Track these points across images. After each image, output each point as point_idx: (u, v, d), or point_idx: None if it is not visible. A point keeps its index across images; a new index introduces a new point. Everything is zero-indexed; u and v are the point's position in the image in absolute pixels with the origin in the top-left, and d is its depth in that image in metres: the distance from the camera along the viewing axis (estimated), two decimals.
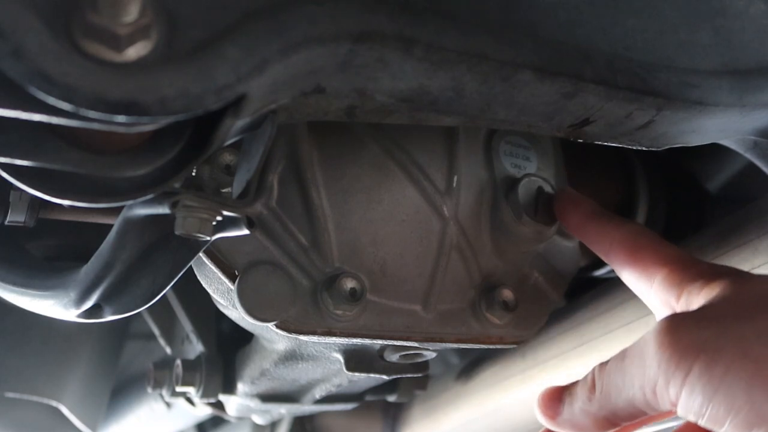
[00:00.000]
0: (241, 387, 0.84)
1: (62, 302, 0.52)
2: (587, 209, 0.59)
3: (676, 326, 0.43)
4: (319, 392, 0.83)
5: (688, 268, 0.49)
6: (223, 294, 0.62)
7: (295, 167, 0.58)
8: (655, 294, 0.51)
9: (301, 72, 0.38)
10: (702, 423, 0.41)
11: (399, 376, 0.70)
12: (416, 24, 0.39)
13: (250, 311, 0.55)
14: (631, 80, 0.45)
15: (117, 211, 0.47)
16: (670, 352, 0.42)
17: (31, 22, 0.29)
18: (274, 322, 0.56)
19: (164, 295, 0.50)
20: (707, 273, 0.48)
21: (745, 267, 0.60)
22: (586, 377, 0.49)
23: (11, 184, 0.36)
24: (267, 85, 0.36)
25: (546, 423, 0.51)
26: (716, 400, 0.40)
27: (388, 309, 0.60)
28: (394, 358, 0.65)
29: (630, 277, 0.53)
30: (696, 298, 0.46)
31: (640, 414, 0.45)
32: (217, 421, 1.25)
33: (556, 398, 0.50)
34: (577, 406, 0.48)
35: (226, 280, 0.56)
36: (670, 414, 0.45)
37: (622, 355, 0.46)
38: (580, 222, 0.59)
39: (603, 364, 0.48)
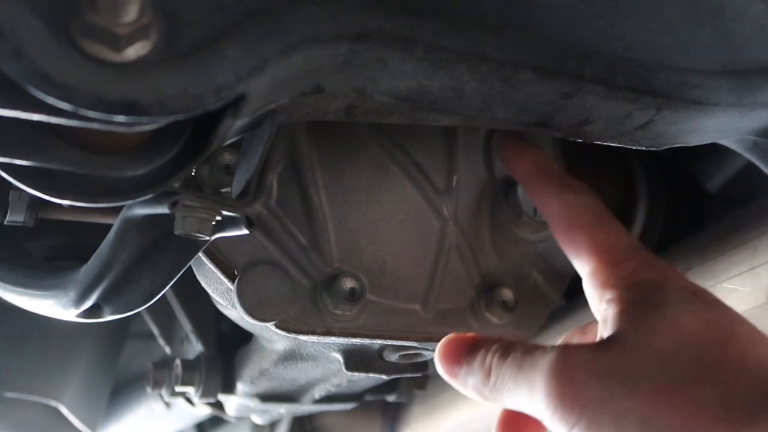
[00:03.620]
0: (240, 387, 0.84)
1: (62, 302, 0.52)
2: (532, 162, 0.56)
3: (566, 378, 0.43)
4: (318, 392, 0.83)
5: (616, 266, 0.48)
6: (223, 294, 0.62)
7: (294, 167, 0.58)
8: (585, 287, 0.50)
9: (301, 72, 0.38)
10: None
11: (398, 375, 0.70)
12: (416, 24, 0.39)
13: (250, 311, 0.55)
14: (631, 80, 0.45)
15: (116, 210, 0.47)
16: (556, 404, 0.43)
17: (31, 22, 0.29)
18: (274, 322, 0.56)
19: (164, 294, 0.50)
20: (629, 279, 0.46)
21: (744, 267, 0.60)
22: (485, 358, 0.48)
23: (11, 183, 0.36)
24: (266, 85, 0.36)
25: (442, 373, 0.51)
26: None
27: (388, 309, 0.60)
28: (393, 357, 0.65)
29: (570, 260, 0.52)
30: (608, 321, 0.46)
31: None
32: (216, 421, 1.25)
33: (457, 355, 0.50)
34: (471, 381, 0.49)
35: (226, 280, 0.56)
36: None
37: (519, 363, 0.46)
38: (525, 177, 0.56)
39: (503, 356, 0.47)
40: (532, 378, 0.44)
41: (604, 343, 0.45)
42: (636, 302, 0.45)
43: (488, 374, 0.48)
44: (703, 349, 0.42)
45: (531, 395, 0.44)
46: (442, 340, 0.51)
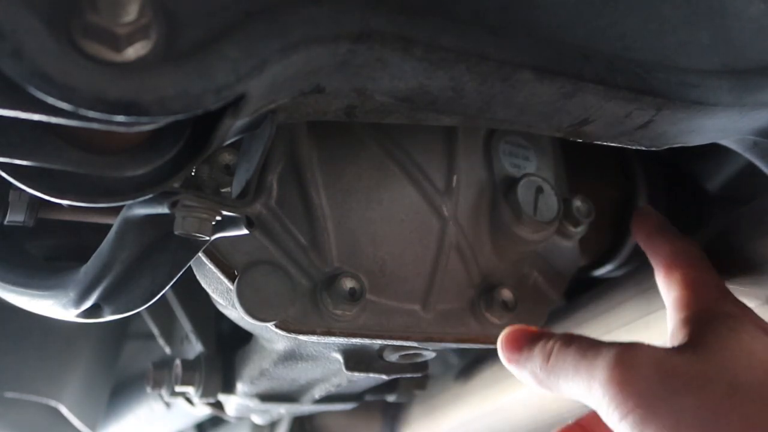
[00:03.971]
0: (240, 387, 0.84)
1: (62, 302, 0.52)
2: (654, 223, 0.61)
3: (630, 368, 0.45)
4: (318, 392, 0.83)
5: (701, 295, 0.51)
6: (223, 294, 0.62)
7: (294, 167, 0.58)
8: (668, 311, 0.53)
9: (301, 72, 0.38)
10: None
11: (398, 376, 0.70)
12: (416, 24, 0.39)
13: (250, 311, 0.55)
14: (631, 80, 0.45)
15: (116, 210, 0.47)
16: (615, 391, 0.45)
17: (31, 22, 0.29)
18: (274, 322, 0.56)
19: (163, 294, 0.50)
20: (711, 307, 0.49)
21: (744, 267, 0.60)
22: (548, 343, 0.51)
23: (11, 183, 0.36)
24: (266, 85, 0.36)
25: (502, 358, 0.54)
26: None
27: (388, 309, 0.60)
28: (393, 357, 0.65)
29: (662, 296, 0.55)
30: (682, 332, 0.48)
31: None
32: (216, 421, 1.25)
33: (520, 342, 0.53)
34: (529, 365, 0.51)
35: (226, 280, 0.56)
36: None
37: (583, 351, 0.48)
38: (646, 237, 0.60)
39: (565, 344, 0.49)
40: (594, 366, 0.46)
41: (676, 348, 0.47)
42: (713, 323, 0.48)
43: (548, 359, 0.50)
44: None
45: (590, 381, 0.46)
46: (506, 329, 0.55)
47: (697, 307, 0.50)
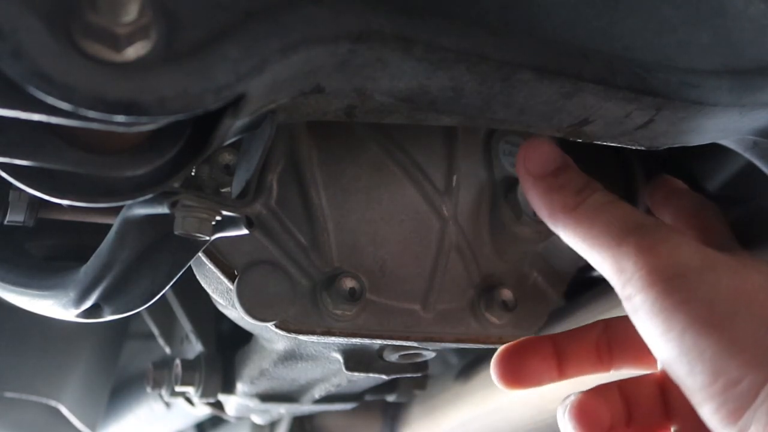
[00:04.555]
0: (240, 387, 0.84)
1: (61, 302, 0.52)
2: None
3: (664, 240, 0.43)
4: (318, 392, 0.83)
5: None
6: (223, 294, 0.62)
7: (294, 167, 0.58)
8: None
9: (301, 72, 0.38)
10: (632, 316, 0.43)
11: (398, 375, 0.70)
12: (416, 24, 0.39)
13: (250, 311, 0.55)
14: (631, 80, 0.45)
15: (116, 210, 0.47)
16: (643, 262, 0.43)
17: (30, 22, 0.29)
18: (274, 322, 0.56)
19: (163, 294, 0.50)
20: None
21: None
22: (581, 178, 0.49)
23: (11, 183, 0.36)
24: (266, 85, 0.36)
25: (524, 177, 0.51)
26: (656, 319, 0.42)
27: (388, 309, 0.60)
28: (393, 357, 0.65)
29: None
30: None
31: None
32: (216, 421, 1.25)
33: (548, 165, 0.50)
34: (559, 197, 0.49)
35: (226, 280, 0.56)
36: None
37: (615, 203, 0.47)
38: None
39: (591, 184, 0.48)
40: (626, 227, 0.45)
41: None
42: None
43: (578, 196, 0.48)
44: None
45: (619, 241, 0.44)
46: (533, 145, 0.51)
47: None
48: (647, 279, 0.42)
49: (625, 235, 0.45)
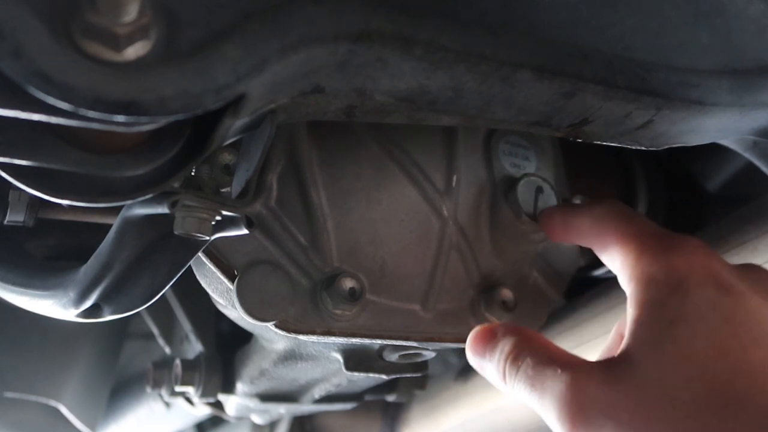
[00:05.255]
0: (240, 387, 0.84)
1: (61, 302, 0.52)
2: (561, 213, 0.58)
3: (580, 412, 0.44)
4: (318, 392, 0.83)
5: (641, 254, 0.48)
6: (223, 293, 0.62)
7: (294, 167, 0.58)
8: (621, 283, 0.50)
9: (301, 72, 0.38)
10: None
11: (398, 375, 0.70)
12: (415, 24, 0.39)
13: (250, 311, 0.55)
14: (630, 80, 0.45)
15: (116, 210, 0.47)
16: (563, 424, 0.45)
17: (30, 22, 0.29)
18: (273, 322, 0.56)
19: (163, 294, 0.50)
20: (652, 271, 0.46)
21: None
22: (500, 361, 0.50)
23: (11, 183, 0.36)
24: (266, 85, 0.36)
25: (471, 359, 0.53)
26: None
27: (388, 309, 0.60)
28: (393, 357, 0.65)
29: (603, 260, 0.53)
30: (626, 330, 0.46)
31: None
32: (216, 421, 1.25)
33: (480, 350, 0.52)
34: (490, 377, 0.51)
35: (226, 280, 0.56)
36: None
37: (531, 381, 0.47)
38: (559, 228, 0.58)
39: (514, 364, 0.49)
40: (543, 400, 0.46)
41: (614, 370, 0.45)
42: (652, 311, 0.45)
43: (503, 378, 0.50)
44: (712, 390, 0.41)
45: (544, 413, 0.46)
46: (470, 335, 0.54)
47: (639, 276, 0.47)
48: None
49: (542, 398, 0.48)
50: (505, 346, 0.50)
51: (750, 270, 0.48)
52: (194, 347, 0.88)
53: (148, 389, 0.91)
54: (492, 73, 0.42)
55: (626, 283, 0.48)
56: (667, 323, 0.43)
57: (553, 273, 0.68)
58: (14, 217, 0.57)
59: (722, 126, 0.51)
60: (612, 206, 0.53)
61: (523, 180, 0.63)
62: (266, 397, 0.85)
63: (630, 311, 0.46)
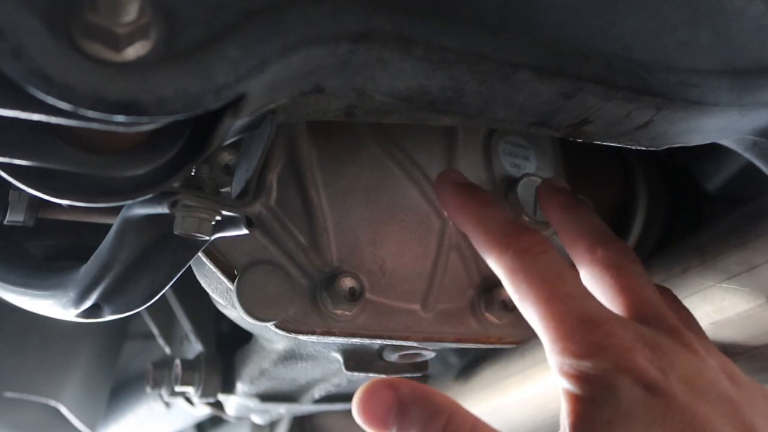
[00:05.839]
0: (240, 387, 0.84)
1: (61, 302, 0.52)
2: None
3: None
4: (318, 392, 0.83)
5: (568, 340, 0.46)
6: (223, 293, 0.62)
7: (294, 167, 0.58)
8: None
9: (301, 72, 0.38)
10: None
11: (398, 375, 0.70)
12: (415, 24, 0.39)
13: (249, 311, 0.55)
14: (630, 80, 0.45)
15: (116, 210, 0.47)
16: None
17: (30, 22, 0.29)
18: (273, 322, 0.56)
19: (163, 294, 0.50)
20: (584, 365, 0.45)
21: (744, 267, 0.60)
22: (437, 415, 0.50)
23: (11, 183, 0.36)
24: (266, 85, 0.36)
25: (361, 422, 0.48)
26: None
27: (387, 309, 0.60)
28: (393, 357, 0.65)
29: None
30: (563, 427, 0.46)
31: None
32: (216, 420, 1.25)
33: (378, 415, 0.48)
34: None
35: (225, 280, 0.56)
36: None
37: None
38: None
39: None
40: None
41: None
42: (586, 411, 0.45)
43: None
44: None
45: None
46: (362, 388, 0.48)
47: (569, 370, 0.46)
48: None
49: None
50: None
51: (667, 319, 0.48)
52: (194, 347, 0.88)
53: (148, 389, 0.91)
54: (492, 73, 0.42)
55: (555, 370, 0.47)
56: (605, 423, 0.44)
57: None
58: (14, 217, 0.57)
59: (722, 126, 0.51)
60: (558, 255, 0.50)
61: (523, 180, 0.63)
62: (266, 397, 0.85)
63: (566, 406, 0.46)
